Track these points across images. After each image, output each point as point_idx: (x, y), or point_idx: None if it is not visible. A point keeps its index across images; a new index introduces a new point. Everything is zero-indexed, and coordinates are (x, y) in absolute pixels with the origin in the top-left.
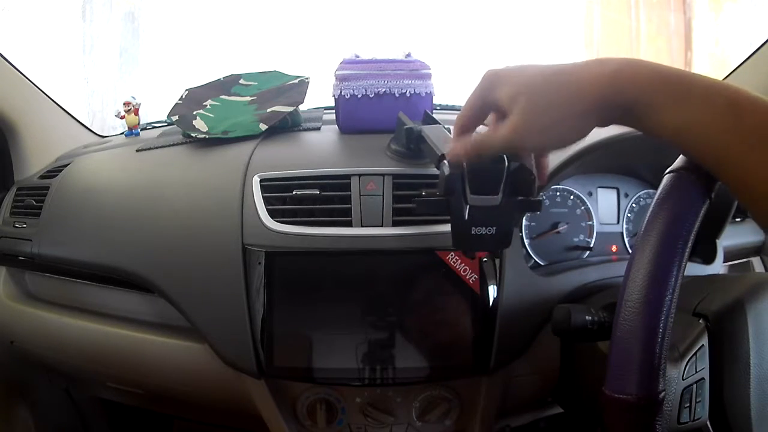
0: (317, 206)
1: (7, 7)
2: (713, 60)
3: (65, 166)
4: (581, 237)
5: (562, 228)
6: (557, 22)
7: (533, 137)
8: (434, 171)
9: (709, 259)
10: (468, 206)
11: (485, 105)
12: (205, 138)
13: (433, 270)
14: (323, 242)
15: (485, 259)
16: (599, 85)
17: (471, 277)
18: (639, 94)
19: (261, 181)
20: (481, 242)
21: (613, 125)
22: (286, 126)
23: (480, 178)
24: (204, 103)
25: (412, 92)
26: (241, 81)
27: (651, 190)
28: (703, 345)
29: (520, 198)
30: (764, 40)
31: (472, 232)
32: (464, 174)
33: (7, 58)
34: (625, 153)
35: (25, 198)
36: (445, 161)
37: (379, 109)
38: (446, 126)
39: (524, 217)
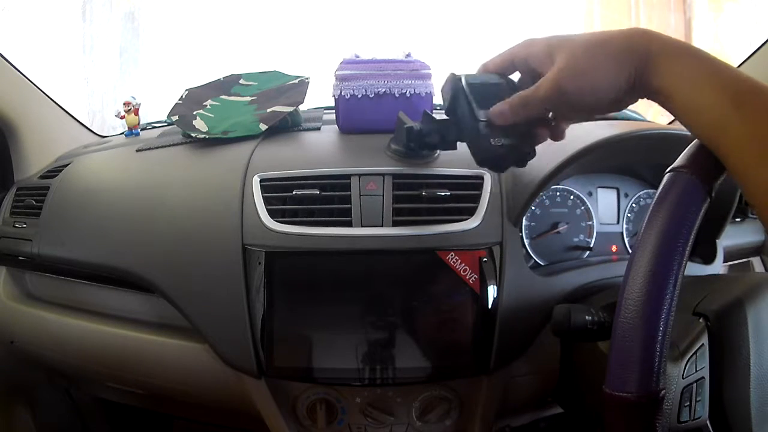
0: (317, 206)
1: (7, 7)
2: None
3: (65, 166)
4: (581, 237)
5: (562, 228)
6: (557, 22)
7: (574, 82)
8: (434, 171)
9: (709, 259)
10: (480, 122)
11: (516, 62)
12: (205, 138)
13: (433, 270)
14: (323, 242)
15: (485, 258)
16: (634, 35)
17: (471, 277)
18: (668, 46)
19: (261, 181)
20: (504, 154)
21: (611, 127)
22: (286, 126)
23: (483, 95)
24: (204, 103)
25: (412, 92)
26: (241, 81)
27: (651, 190)
28: (703, 344)
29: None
30: (764, 40)
31: (492, 143)
32: (467, 93)
33: (7, 58)
34: (625, 153)
35: (25, 198)
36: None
37: (379, 109)
38: None
39: (524, 218)
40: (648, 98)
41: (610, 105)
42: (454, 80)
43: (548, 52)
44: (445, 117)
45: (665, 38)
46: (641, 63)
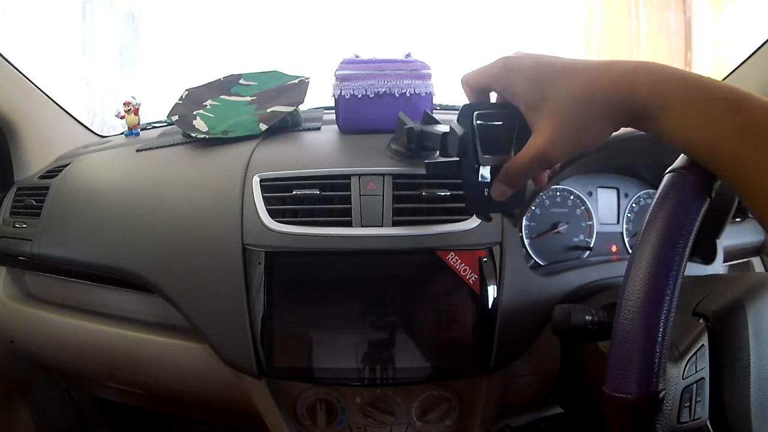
0: (317, 206)
1: (7, 7)
2: (713, 60)
3: (65, 166)
4: (581, 237)
5: (562, 228)
6: (557, 22)
7: (563, 146)
8: None
9: (709, 259)
10: (481, 167)
11: (491, 87)
12: (205, 138)
13: (433, 270)
14: (323, 242)
15: (485, 258)
16: (619, 89)
17: (471, 277)
18: (654, 97)
19: (261, 181)
20: (495, 203)
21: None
22: (286, 126)
23: (491, 138)
24: (204, 103)
25: (412, 92)
26: (241, 81)
27: (651, 190)
28: (703, 345)
29: None
30: (764, 40)
31: (486, 194)
32: (475, 134)
33: (7, 58)
34: (625, 153)
35: (25, 198)
36: (456, 122)
37: (379, 109)
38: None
39: (524, 218)
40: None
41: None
42: (467, 115)
43: (529, 104)
44: (446, 130)
45: (651, 82)
46: (628, 116)
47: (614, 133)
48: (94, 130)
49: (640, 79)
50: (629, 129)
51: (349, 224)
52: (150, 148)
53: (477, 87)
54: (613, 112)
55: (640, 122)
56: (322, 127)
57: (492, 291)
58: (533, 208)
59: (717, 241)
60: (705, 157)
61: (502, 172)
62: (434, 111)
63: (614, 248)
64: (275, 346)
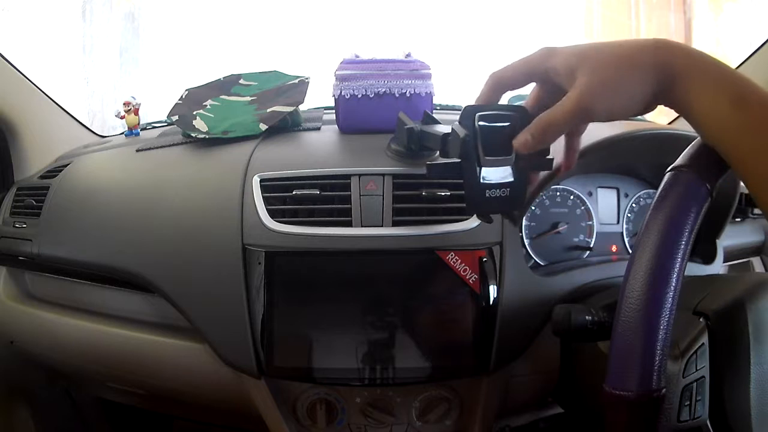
0: (317, 206)
1: (7, 7)
2: None
3: (65, 166)
4: (581, 237)
5: (562, 228)
6: (557, 22)
7: (601, 102)
8: None
9: (709, 259)
10: (482, 168)
11: (533, 73)
12: (205, 138)
13: (433, 270)
14: (323, 242)
15: (485, 258)
16: (656, 53)
17: (471, 277)
18: (686, 63)
19: (261, 181)
20: (495, 205)
21: (611, 127)
22: (286, 126)
23: (493, 139)
24: (204, 103)
25: (412, 92)
26: (241, 81)
27: (651, 190)
28: (703, 344)
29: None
30: (764, 40)
31: (487, 195)
32: (477, 136)
33: (7, 58)
34: (625, 153)
35: (25, 198)
36: (458, 123)
37: (379, 109)
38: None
39: (524, 218)
40: (666, 106)
41: (629, 116)
42: (469, 117)
43: (569, 68)
44: (447, 130)
45: (686, 52)
46: (665, 78)
47: (614, 133)
48: (94, 130)
49: (676, 47)
50: (630, 129)
51: (349, 224)
52: (150, 148)
53: (512, 77)
54: (653, 70)
55: (676, 86)
56: (322, 127)
57: (492, 291)
58: (533, 208)
59: (717, 241)
60: (718, 141)
61: (534, 122)
62: (434, 111)
63: (614, 248)
64: (275, 346)
